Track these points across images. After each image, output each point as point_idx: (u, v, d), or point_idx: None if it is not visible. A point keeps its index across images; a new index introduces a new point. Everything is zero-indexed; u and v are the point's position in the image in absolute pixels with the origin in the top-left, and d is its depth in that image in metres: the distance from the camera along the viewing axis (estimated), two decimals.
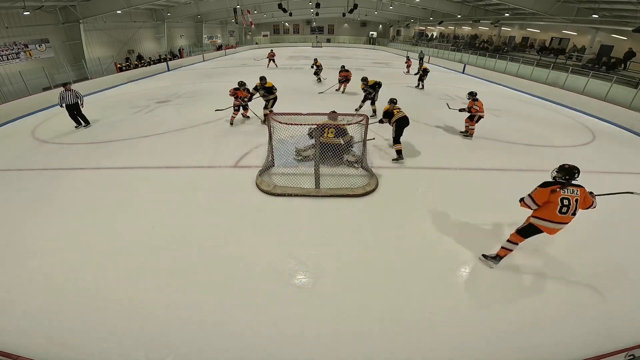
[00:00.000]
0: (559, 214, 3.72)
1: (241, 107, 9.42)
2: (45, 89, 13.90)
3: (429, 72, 16.06)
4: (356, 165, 6.66)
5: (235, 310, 3.65)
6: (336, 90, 14.19)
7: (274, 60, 23.98)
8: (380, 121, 7.28)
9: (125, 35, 24.42)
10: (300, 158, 6.80)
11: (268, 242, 4.63)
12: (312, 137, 7.17)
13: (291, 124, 5.40)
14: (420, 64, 27.29)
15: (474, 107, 8.47)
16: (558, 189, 3.72)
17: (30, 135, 9.17)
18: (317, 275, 4.10)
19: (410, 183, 6.32)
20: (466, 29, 32.49)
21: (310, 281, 4.01)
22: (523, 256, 4.47)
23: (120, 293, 3.83)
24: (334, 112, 6.80)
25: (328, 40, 50.25)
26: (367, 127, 6.02)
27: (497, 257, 4.26)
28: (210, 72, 22.09)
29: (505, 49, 24.49)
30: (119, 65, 20.17)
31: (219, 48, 36.42)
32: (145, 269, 4.15)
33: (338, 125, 6.29)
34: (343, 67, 14.26)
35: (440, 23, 32.32)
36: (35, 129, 9.73)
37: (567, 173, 3.75)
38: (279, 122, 5.64)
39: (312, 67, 19.05)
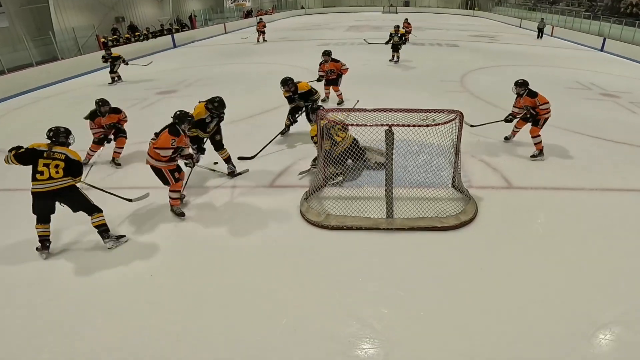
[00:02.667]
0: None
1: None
2: None
3: (407, 40, 17.42)
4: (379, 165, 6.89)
5: None
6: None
7: (264, 34, 24.34)
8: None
9: None
10: (331, 182, 6.76)
11: (319, 295, 4.56)
12: (314, 165, 7.11)
13: (355, 125, 5.32)
14: (540, 35, 26.44)
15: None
16: None
17: None
18: (389, 343, 3.94)
19: (524, 209, 6.12)
20: None
21: (380, 352, 3.85)
22: None
23: None
24: (320, 107, 6.67)
25: (406, 4, 50.15)
26: (462, 127, 5.87)
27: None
28: (235, 49, 22.75)
29: None
30: (102, 40, 20.37)
31: (248, 15, 37.12)
32: (140, 333, 4.10)
33: (338, 122, 6.28)
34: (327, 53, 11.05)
35: None
36: None
37: (526, 84, 7.71)
38: (336, 123, 5.65)
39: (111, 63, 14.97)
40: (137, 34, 23.05)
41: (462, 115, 5.75)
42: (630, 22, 21.67)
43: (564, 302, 4.38)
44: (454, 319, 4.19)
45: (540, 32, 27.09)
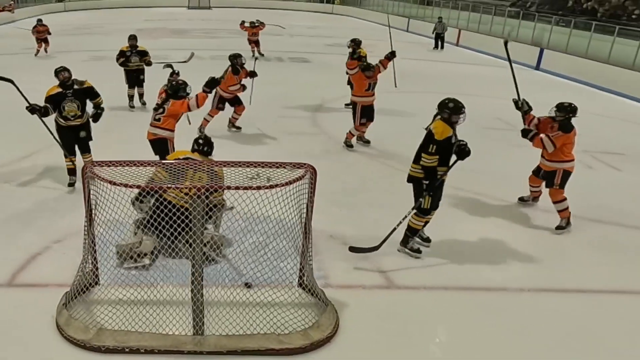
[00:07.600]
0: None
1: None
2: None
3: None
4: (218, 257, 6.79)
5: None
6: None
7: (46, 42, 24.63)
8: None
9: None
10: (133, 266, 6.78)
11: None
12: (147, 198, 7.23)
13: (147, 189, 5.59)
14: (440, 44, 26.61)
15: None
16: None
17: None
18: None
19: (411, 320, 6.06)
20: None
21: None
22: None
23: None
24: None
25: None
26: (314, 190, 5.83)
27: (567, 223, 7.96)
28: None
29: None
30: None
31: None
32: None
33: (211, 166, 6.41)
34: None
35: None
36: None
37: (571, 111, 7.62)
38: (111, 183, 5.31)
39: None
40: None
41: (314, 170, 5.62)
42: (581, 24, 22.44)
43: None
44: None
45: (440, 39, 26.74)
